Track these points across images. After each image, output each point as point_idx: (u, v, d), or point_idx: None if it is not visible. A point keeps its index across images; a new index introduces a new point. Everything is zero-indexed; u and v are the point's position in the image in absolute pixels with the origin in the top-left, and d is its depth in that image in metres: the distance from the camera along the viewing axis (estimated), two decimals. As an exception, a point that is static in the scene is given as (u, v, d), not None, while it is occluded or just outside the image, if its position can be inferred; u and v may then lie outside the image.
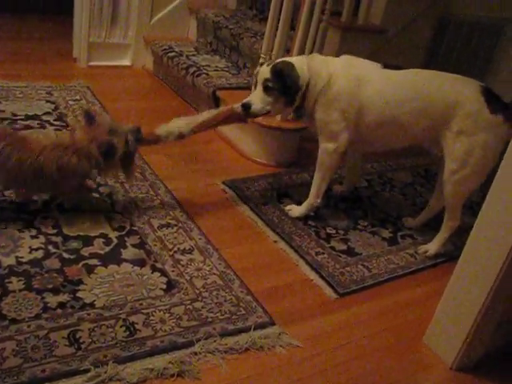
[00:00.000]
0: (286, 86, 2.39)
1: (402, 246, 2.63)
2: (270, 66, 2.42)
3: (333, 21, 3.28)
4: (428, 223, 2.76)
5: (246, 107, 2.44)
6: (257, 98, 2.44)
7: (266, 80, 2.40)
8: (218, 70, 3.67)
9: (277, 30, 2.99)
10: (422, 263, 2.53)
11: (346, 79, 2.42)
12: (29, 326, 1.75)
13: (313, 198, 2.63)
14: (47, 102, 3.31)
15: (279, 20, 2.96)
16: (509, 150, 1.74)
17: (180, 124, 2.45)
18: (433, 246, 2.57)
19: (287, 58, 2.51)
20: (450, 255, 2.54)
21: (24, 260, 2.03)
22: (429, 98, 2.36)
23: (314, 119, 2.50)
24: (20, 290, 1.89)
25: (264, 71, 2.43)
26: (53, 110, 3.22)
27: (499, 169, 1.78)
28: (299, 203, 2.69)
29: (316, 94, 2.43)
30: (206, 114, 2.53)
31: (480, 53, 4.33)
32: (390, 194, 3.11)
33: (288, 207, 2.69)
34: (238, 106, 2.50)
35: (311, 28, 3.01)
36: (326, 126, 2.49)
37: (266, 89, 2.42)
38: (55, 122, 3.07)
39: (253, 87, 2.68)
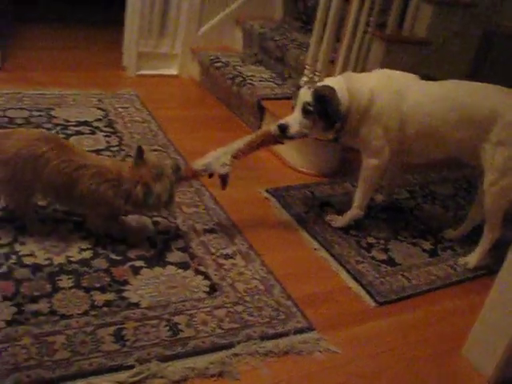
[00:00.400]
0: (327, 112, 2.37)
1: (442, 258, 2.63)
2: (312, 90, 2.40)
3: (378, 32, 3.31)
4: (469, 235, 2.75)
5: (283, 128, 2.42)
6: (295, 121, 2.41)
7: (306, 103, 2.38)
8: (263, 81, 3.73)
9: (322, 41, 3.04)
10: (462, 275, 2.53)
11: (388, 93, 2.42)
12: (77, 322, 1.83)
13: (355, 210, 2.66)
14: (98, 108, 3.43)
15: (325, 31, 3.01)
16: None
17: (217, 155, 2.39)
18: (473, 259, 2.56)
19: (327, 82, 2.46)
20: (490, 268, 2.53)
21: (74, 259, 2.11)
22: (468, 109, 2.36)
23: (358, 136, 2.51)
24: (69, 288, 1.97)
25: (304, 94, 2.41)
26: (103, 117, 3.33)
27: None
28: (340, 212, 2.73)
29: (360, 113, 2.43)
30: (242, 140, 2.46)
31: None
32: (431, 205, 3.11)
33: (330, 217, 2.73)
34: (274, 128, 2.46)
35: (356, 39, 3.05)
36: (370, 143, 2.50)
37: (305, 112, 2.40)
38: (105, 128, 3.18)
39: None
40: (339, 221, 2.70)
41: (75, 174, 2.11)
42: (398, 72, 2.50)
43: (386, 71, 2.52)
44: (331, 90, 2.39)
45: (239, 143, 2.45)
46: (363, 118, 2.44)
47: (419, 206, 3.08)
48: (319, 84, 2.48)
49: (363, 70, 3.07)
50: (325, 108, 2.36)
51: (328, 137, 2.53)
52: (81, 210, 2.29)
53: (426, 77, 2.48)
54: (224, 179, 2.40)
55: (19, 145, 2.07)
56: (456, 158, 2.56)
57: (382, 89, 2.43)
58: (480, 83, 2.43)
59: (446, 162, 2.68)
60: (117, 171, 2.17)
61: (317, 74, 3.05)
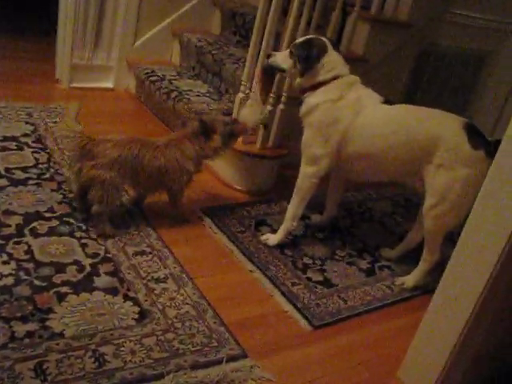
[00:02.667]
0: (306, 56, 2.44)
1: (379, 277, 2.61)
2: (306, 38, 2.52)
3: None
4: (407, 254, 2.74)
5: (268, 56, 2.65)
6: (280, 55, 2.60)
7: (294, 45, 2.50)
8: (199, 96, 3.66)
9: (259, 56, 2.99)
10: (399, 295, 2.52)
11: (349, 110, 2.41)
12: (-6, 357, 1.71)
13: (288, 222, 2.61)
14: (26, 123, 3.27)
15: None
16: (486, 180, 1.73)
17: (254, 110, 2.95)
18: (410, 279, 2.55)
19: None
20: (427, 287, 2.52)
21: (-7, 286, 1.99)
22: (411, 132, 2.36)
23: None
24: (-13, 318, 1.85)
25: (300, 39, 2.54)
26: (32, 132, 3.18)
27: (477, 198, 1.76)
28: (276, 232, 2.67)
29: (322, 97, 2.44)
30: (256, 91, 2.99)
31: (462, 84, 4.37)
32: (368, 223, 3.10)
33: (264, 237, 2.66)
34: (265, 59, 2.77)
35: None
36: (309, 149, 2.49)
37: (290, 52, 2.51)
38: (33, 144, 3.03)
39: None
40: (273, 238, 2.64)
41: (162, 158, 2.45)
42: (370, 93, 2.50)
43: (367, 90, 2.51)
44: (323, 41, 2.49)
45: (256, 94, 3.00)
46: (314, 113, 2.46)
47: (356, 223, 3.06)
48: (320, 36, 2.57)
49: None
50: (305, 52, 2.44)
51: (298, 85, 2.56)
52: (170, 189, 2.57)
53: (387, 101, 2.48)
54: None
55: (119, 149, 2.36)
56: (399, 181, 2.56)
57: (350, 103, 2.43)
58: (426, 108, 2.45)
59: (390, 183, 2.69)
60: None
61: (253, 90, 3.00)
